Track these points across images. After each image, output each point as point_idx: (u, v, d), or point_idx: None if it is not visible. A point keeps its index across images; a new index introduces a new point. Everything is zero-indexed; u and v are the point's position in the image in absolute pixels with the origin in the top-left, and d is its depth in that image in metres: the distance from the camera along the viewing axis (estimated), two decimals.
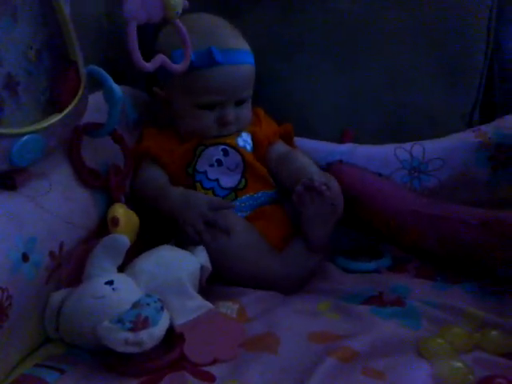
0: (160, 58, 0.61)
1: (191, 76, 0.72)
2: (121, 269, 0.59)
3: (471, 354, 0.54)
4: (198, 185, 0.74)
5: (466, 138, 0.84)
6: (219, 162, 0.75)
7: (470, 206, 0.75)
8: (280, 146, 0.80)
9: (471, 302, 0.63)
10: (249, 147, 0.78)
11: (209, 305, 0.59)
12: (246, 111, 0.77)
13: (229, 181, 0.74)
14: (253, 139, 0.79)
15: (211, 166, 0.74)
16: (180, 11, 0.60)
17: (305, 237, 0.70)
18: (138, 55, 0.58)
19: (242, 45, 0.76)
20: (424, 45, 0.88)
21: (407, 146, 0.84)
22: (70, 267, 0.58)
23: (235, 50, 0.75)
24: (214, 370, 0.51)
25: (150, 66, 0.60)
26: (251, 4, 0.89)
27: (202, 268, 0.63)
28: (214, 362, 0.52)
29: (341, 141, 0.86)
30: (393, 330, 0.57)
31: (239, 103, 0.76)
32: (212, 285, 0.66)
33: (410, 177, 0.84)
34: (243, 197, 0.75)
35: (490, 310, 0.60)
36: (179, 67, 0.64)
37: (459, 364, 0.51)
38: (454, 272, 0.72)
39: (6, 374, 0.50)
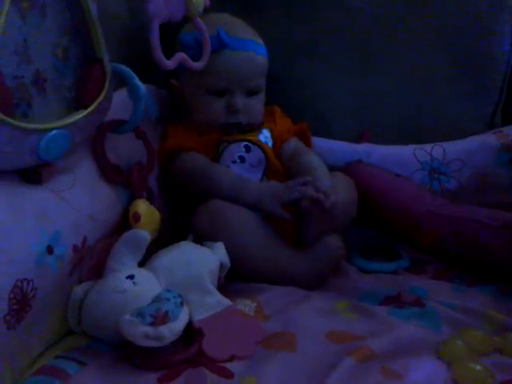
0: (179, 56, 0.62)
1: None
2: (141, 264, 0.60)
3: (491, 357, 0.54)
4: None
5: (487, 139, 0.84)
6: (242, 159, 0.75)
7: (490, 209, 0.74)
8: (292, 143, 0.80)
9: (491, 305, 0.62)
10: (270, 143, 0.79)
11: (227, 302, 0.59)
12: (257, 104, 0.78)
13: (251, 177, 0.75)
14: (272, 136, 0.79)
15: (234, 162, 0.75)
16: (201, 10, 0.61)
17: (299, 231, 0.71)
18: (159, 53, 0.59)
19: (254, 36, 0.78)
20: (443, 46, 0.87)
21: (427, 147, 0.84)
22: (92, 261, 0.59)
23: (245, 38, 0.76)
24: (232, 366, 0.51)
25: (170, 63, 0.61)
26: (264, 3, 0.89)
27: (221, 265, 0.64)
28: (232, 358, 0.53)
29: (358, 142, 0.86)
30: (412, 331, 0.57)
31: (250, 94, 0.76)
32: (230, 281, 0.67)
33: (430, 178, 0.83)
34: None
35: (509, 313, 0.60)
36: (198, 65, 0.65)
37: (479, 367, 0.51)
38: (472, 274, 0.71)
39: (29, 365, 0.51)
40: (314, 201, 0.66)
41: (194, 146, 0.76)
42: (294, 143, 0.80)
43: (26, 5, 0.51)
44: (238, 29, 0.76)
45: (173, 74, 0.79)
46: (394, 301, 0.65)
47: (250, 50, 0.76)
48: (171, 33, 0.78)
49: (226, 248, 0.65)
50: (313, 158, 0.78)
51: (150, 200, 0.67)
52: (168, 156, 0.75)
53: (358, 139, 0.87)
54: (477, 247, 0.70)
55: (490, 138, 0.84)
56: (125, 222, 0.64)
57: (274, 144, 0.79)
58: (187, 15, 0.60)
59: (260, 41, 0.79)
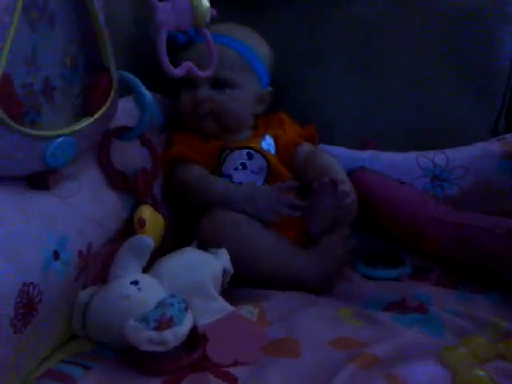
0: (187, 65, 0.63)
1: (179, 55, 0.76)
2: (145, 270, 0.61)
3: (494, 364, 0.54)
4: None
5: (490, 146, 0.84)
6: (244, 166, 0.76)
7: (494, 216, 0.74)
8: (306, 147, 0.82)
9: (494, 312, 0.62)
10: (273, 150, 0.80)
11: (230, 307, 0.59)
12: (227, 98, 0.77)
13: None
14: (276, 142, 0.80)
15: (236, 169, 0.76)
16: (208, 19, 0.62)
17: (305, 224, 0.72)
18: (166, 61, 0.60)
19: (239, 36, 0.79)
20: (447, 51, 0.88)
21: (430, 153, 0.85)
22: (97, 267, 0.60)
23: (221, 34, 0.77)
24: (235, 371, 0.52)
25: (177, 71, 0.62)
26: (274, 10, 0.90)
27: (224, 271, 0.64)
28: (235, 363, 0.53)
29: (362, 149, 0.87)
30: (415, 337, 0.57)
31: (215, 85, 0.77)
32: (233, 287, 0.67)
33: (432, 185, 0.84)
34: None
35: None
36: (206, 73, 0.66)
37: (482, 373, 0.51)
38: (476, 281, 0.71)
39: (34, 368, 0.52)
40: (334, 183, 0.69)
41: (197, 154, 0.77)
42: (307, 147, 0.82)
43: (36, 15, 0.52)
44: (226, 29, 0.78)
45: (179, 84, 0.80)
46: (397, 306, 0.65)
47: (220, 43, 0.74)
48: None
49: (232, 253, 0.65)
50: (327, 157, 0.79)
51: (155, 206, 0.68)
52: (170, 164, 0.76)
53: (363, 147, 0.88)
54: (480, 254, 0.70)
55: (493, 145, 0.84)
56: (130, 227, 0.65)
57: (278, 150, 0.80)
58: (194, 24, 0.61)
59: (248, 39, 0.79)
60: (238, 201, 0.71)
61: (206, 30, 0.64)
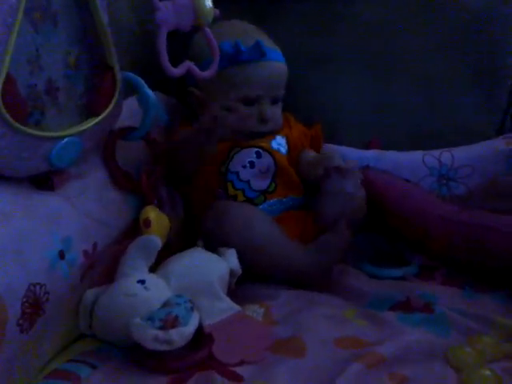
0: (187, 64, 0.63)
1: (237, 69, 0.75)
2: (152, 270, 0.61)
3: (500, 364, 0.53)
4: (229, 184, 0.75)
5: (497, 145, 0.84)
6: (251, 164, 0.76)
7: (500, 214, 0.74)
8: (311, 153, 0.82)
9: (501, 312, 0.62)
10: (283, 150, 0.80)
11: (237, 307, 0.59)
12: (279, 111, 0.80)
13: (259, 183, 0.76)
14: (288, 142, 0.80)
15: (244, 167, 0.76)
16: (210, 19, 0.62)
17: (316, 213, 0.73)
18: (166, 60, 0.60)
19: (275, 46, 0.80)
20: (453, 52, 0.88)
21: (436, 152, 0.84)
22: (102, 267, 0.60)
23: (275, 48, 0.78)
24: (241, 370, 0.52)
25: (177, 71, 0.62)
26: (278, 13, 0.90)
27: (232, 271, 0.64)
28: (241, 363, 0.53)
29: (367, 148, 0.87)
30: (421, 337, 0.57)
31: (274, 102, 0.78)
32: (240, 286, 0.67)
33: (439, 184, 0.83)
34: (272, 200, 0.76)
35: None
36: (206, 74, 0.66)
37: (488, 372, 0.51)
38: (482, 281, 0.71)
39: (41, 368, 0.52)
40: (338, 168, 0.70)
41: None
42: (312, 153, 0.82)
43: (38, 15, 0.52)
44: (267, 40, 0.78)
45: (184, 82, 0.80)
46: (403, 306, 0.64)
47: (280, 60, 0.79)
48: (181, 41, 0.80)
49: (232, 244, 0.66)
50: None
51: (160, 207, 0.68)
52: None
53: (368, 146, 0.88)
54: (486, 253, 0.70)
55: (500, 144, 0.84)
56: (135, 228, 0.65)
57: (290, 150, 0.80)
58: (196, 24, 0.61)
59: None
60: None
61: (207, 30, 0.63)
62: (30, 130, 0.50)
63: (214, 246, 0.67)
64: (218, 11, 0.64)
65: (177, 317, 0.52)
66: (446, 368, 0.52)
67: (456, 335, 0.58)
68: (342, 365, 0.52)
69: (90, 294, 0.57)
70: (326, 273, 0.70)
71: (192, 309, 0.55)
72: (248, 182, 0.76)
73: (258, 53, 0.75)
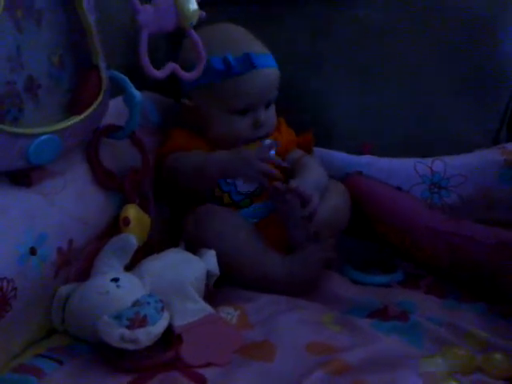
0: (171, 66, 0.63)
1: (229, 82, 0.74)
2: (129, 268, 0.61)
3: (472, 376, 0.53)
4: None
5: (490, 155, 0.83)
6: None
7: (489, 225, 0.73)
8: (295, 153, 0.81)
9: (477, 323, 0.61)
10: (272, 153, 0.79)
11: (209, 309, 0.59)
12: (273, 112, 0.79)
13: (246, 186, 0.76)
14: (276, 146, 0.80)
15: None
16: (194, 22, 0.62)
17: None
18: (148, 63, 0.60)
19: (266, 49, 0.78)
20: (449, 58, 0.87)
21: (428, 160, 0.83)
22: (80, 264, 0.60)
23: (265, 54, 0.77)
24: (206, 372, 0.52)
25: (160, 73, 0.62)
26: (274, 16, 0.90)
27: (209, 273, 0.64)
28: (208, 365, 0.53)
29: (360, 153, 0.86)
30: (393, 345, 0.57)
31: (267, 105, 0.78)
32: (219, 289, 0.67)
33: (430, 192, 0.83)
34: (258, 203, 0.76)
35: (496, 333, 0.59)
36: (191, 75, 0.66)
37: None
38: (466, 291, 0.70)
39: (6, 363, 0.52)
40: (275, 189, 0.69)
41: (196, 149, 0.76)
42: (297, 154, 0.81)
43: (21, 13, 0.53)
44: (256, 45, 0.77)
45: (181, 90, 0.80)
46: (380, 314, 0.64)
47: (271, 65, 0.77)
48: (171, 44, 0.80)
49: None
50: (310, 166, 0.78)
51: (143, 206, 0.69)
52: (165, 156, 0.76)
53: (360, 150, 0.87)
54: (470, 264, 0.69)
55: (493, 154, 0.83)
56: (115, 226, 0.65)
57: (278, 154, 0.80)
58: (180, 27, 0.61)
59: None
60: (211, 170, 0.71)
61: (192, 32, 0.64)
62: (5, 127, 0.51)
63: (194, 248, 0.67)
64: (203, 13, 0.64)
65: (145, 316, 0.53)
66: (415, 378, 0.51)
67: (429, 345, 0.58)
68: (308, 371, 0.51)
69: (63, 289, 0.57)
70: (305, 283, 0.69)
71: (162, 309, 0.55)
72: (234, 184, 0.75)
73: (248, 65, 0.74)
